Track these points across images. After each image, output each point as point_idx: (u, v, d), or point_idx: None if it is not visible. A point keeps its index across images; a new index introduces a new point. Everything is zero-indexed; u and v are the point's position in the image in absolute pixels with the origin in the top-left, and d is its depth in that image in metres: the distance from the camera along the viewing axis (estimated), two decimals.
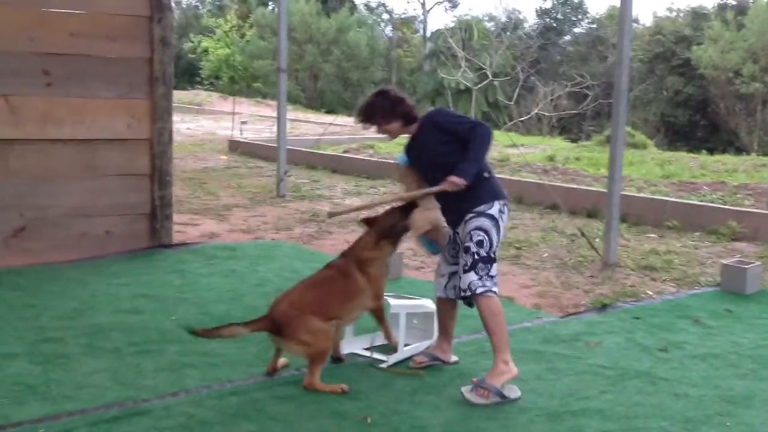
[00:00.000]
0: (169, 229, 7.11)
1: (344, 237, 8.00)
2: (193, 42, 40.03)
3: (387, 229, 4.25)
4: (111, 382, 3.99)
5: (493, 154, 14.04)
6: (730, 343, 4.87)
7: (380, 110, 4.15)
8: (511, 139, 15.84)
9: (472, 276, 3.99)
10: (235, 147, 16.25)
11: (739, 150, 21.06)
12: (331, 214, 4.64)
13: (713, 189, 9.82)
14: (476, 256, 3.99)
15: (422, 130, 4.16)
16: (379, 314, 4.33)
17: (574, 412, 3.80)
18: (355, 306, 4.22)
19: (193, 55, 40.02)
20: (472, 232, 4.01)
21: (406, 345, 4.52)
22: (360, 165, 13.26)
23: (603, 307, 5.63)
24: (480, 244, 3.99)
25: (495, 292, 4.01)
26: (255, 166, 13.81)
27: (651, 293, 6.09)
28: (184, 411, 3.67)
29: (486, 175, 4.07)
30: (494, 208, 4.03)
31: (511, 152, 13.93)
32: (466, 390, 3.94)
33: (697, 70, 27.26)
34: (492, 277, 4.01)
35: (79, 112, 6.61)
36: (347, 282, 4.17)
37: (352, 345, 4.59)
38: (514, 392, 3.96)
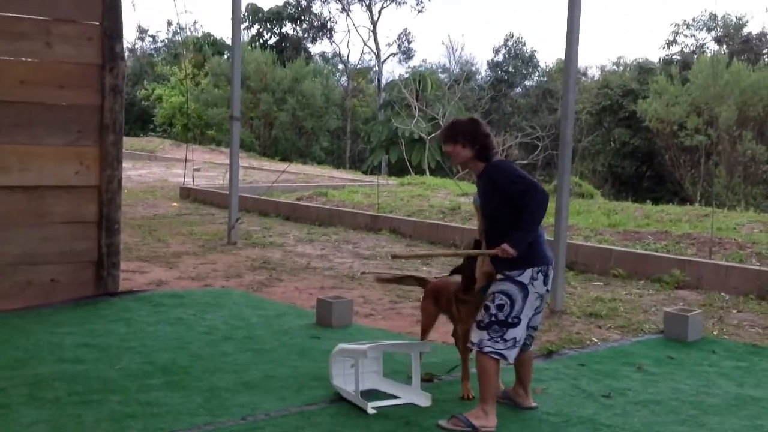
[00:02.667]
0: (116, 276, 7.03)
1: (294, 284, 8.00)
2: (146, 89, 39.96)
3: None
4: None
5: (445, 202, 14.20)
6: (672, 390, 4.96)
7: (463, 131, 4.32)
8: (460, 187, 16.04)
9: (484, 335, 4.18)
10: (187, 194, 16.15)
11: (684, 200, 21.53)
12: (394, 257, 5.14)
13: (657, 238, 10.03)
14: (493, 318, 4.17)
15: (482, 177, 4.31)
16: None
17: None
18: None
19: (147, 102, 39.92)
20: (495, 294, 4.19)
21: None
22: (313, 212, 13.29)
23: (549, 354, 5.70)
24: (500, 307, 4.16)
25: (502, 356, 4.15)
26: (207, 213, 13.75)
27: (596, 340, 6.18)
28: None
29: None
30: (525, 275, 4.16)
31: (463, 201, 14.09)
32: (442, 421, 4.18)
33: (642, 122, 27.90)
34: (506, 340, 4.15)
35: (27, 159, 6.56)
36: None
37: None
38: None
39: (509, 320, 4.15)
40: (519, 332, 4.17)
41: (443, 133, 4.42)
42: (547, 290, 4.29)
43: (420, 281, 5.49)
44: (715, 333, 6.48)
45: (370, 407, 4.37)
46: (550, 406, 4.57)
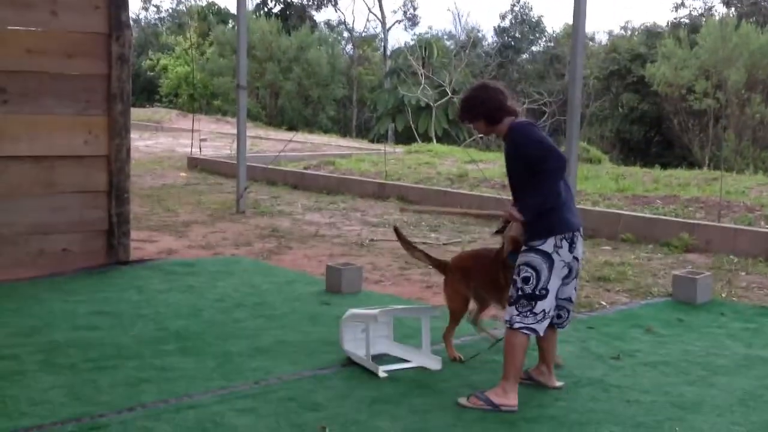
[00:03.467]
0: (127, 245, 7.08)
1: (303, 252, 8.04)
2: (152, 59, 39.88)
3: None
4: (67, 398, 3.97)
5: (452, 169, 14.20)
6: (681, 351, 4.99)
7: (466, 110, 4.24)
8: (470, 155, 16.02)
9: (513, 310, 4.06)
10: (195, 164, 16.18)
11: (692, 165, 21.45)
12: (402, 210, 4.78)
13: (666, 202, 10.03)
14: (520, 292, 4.04)
15: (506, 140, 4.17)
16: None
17: (528, 419, 3.88)
18: None
19: (152, 73, 39.85)
20: (520, 267, 4.06)
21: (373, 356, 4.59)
22: (321, 181, 13.31)
23: None
24: (526, 280, 4.02)
25: (533, 330, 4.03)
26: (215, 183, 13.77)
27: (605, 303, 6.21)
28: (141, 425, 3.67)
29: (550, 206, 4.00)
30: (547, 244, 3.99)
31: (470, 168, 14.08)
32: (462, 398, 4.07)
33: (651, 87, 27.68)
34: (535, 314, 4.02)
35: (36, 129, 6.58)
36: None
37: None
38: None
39: (536, 293, 4.01)
40: (547, 304, 4.04)
41: (459, 116, 4.36)
42: (576, 258, 4.11)
43: (438, 264, 5.00)
44: (723, 295, 6.51)
45: (382, 371, 4.41)
46: (561, 369, 4.61)
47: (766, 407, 4.10)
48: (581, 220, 4.18)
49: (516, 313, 4.05)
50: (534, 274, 4.02)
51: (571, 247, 4.06)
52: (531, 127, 4.12)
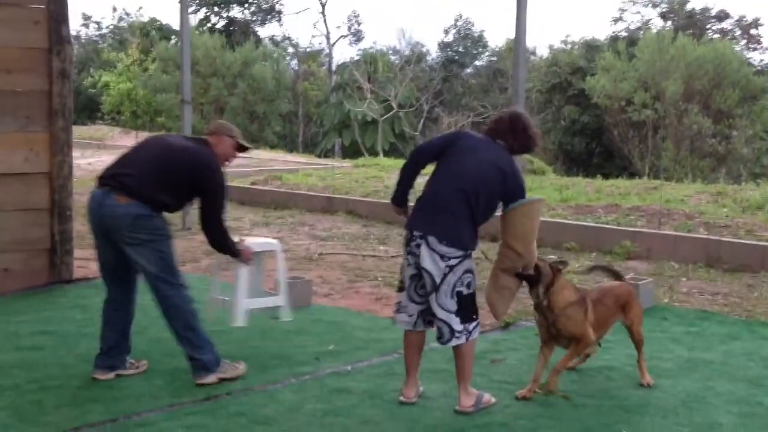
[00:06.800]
0: (70, 264, 6.96)
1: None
2: (93, 76, 39.20)
3: None
4: (12, 419, 3.90)
5: None
6: (626, 356, 5.08)
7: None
8: None
9: None
10: None
11: (632, 174, 21.86)
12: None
13: (608, 212, 10.22)
14: None
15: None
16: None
17: (479, 426, 3.93)
18: None
19: (94, 90, 39.19)
20: None
21: None
22: (268, 196, 13.24)
23: (506, 326, 5.81)
24: None
25: (393, 319, 4.32)
26: None
27: None
28: None
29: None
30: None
31: (418, 181, 14.17)
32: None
33: (591, 99, 28.17)
34: (395, 303, 4.33)
35: None
36: None
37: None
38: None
39: (399, 283, 4.32)
40: (402, 297, 4.24)
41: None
42: (418, 264, 4.07)
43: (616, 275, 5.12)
44: (665, 301, 6.66)
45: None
46: (509, 375, 4.68)
47: (708, 408, 4.21)
48: (439, 230, 4.13)
49: None
50: None
51: (408, 247, 4.14)
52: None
